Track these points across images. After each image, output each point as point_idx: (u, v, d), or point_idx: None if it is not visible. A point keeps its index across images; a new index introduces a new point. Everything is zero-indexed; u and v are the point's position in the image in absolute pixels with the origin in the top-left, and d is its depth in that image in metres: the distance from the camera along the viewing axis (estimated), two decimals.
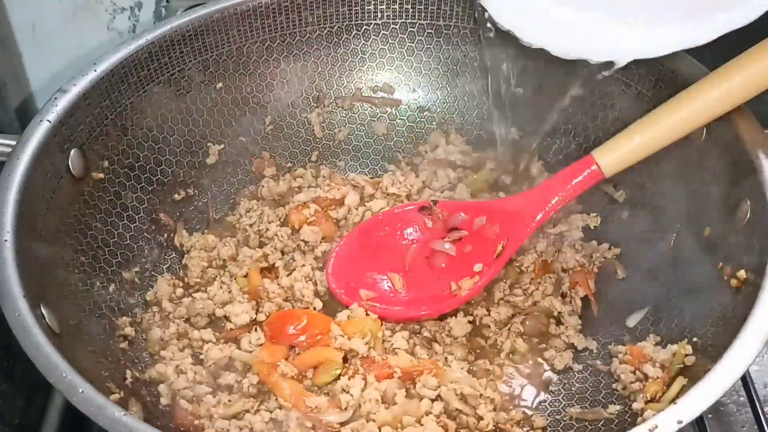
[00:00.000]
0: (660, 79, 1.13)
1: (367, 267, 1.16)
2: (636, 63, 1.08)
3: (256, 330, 1.08)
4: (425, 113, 1.35)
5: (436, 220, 1.18)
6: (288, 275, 1.15)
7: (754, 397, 1.01)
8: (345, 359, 1.04)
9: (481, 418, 0.99)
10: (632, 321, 1.11)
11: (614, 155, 1.04)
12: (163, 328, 1.09)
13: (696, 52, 1.06)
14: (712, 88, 0.99)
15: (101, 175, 1.12)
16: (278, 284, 1.13)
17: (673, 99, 1.02)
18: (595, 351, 1.10)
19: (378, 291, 1.14)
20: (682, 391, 0.91)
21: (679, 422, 0.78)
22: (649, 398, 0.98)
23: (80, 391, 0.80)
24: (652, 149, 1.03)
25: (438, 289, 1.13)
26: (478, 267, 1.12)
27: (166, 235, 1.21)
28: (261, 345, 1.06)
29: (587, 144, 1.23)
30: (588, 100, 1.22)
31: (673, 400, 0.82)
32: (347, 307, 1.10)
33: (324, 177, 1.30)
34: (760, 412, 1.00)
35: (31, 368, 0.82)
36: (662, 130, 1.02)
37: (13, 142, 1.01)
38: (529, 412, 1.04)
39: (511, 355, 1.09)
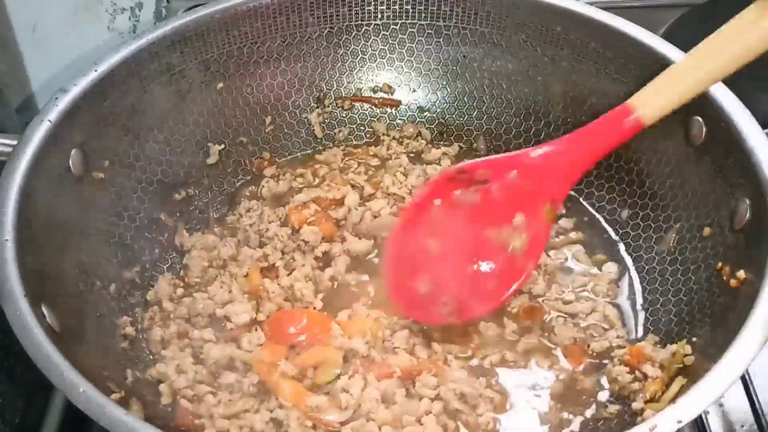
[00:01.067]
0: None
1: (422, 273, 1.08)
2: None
3: (256, 330, 1.08)
4: (425, 113, 1.36)
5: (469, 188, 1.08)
6: (288, 275, 1.14)
7: (754, 397, 1.01)
8: (345, 359, 1.04)
9: (480, 416, 0.99)
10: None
11: (654, 101, 0.99)
12: (164, 328, 1.09)
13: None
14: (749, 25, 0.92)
15: (102, 175, 1.12)
16: (278, 284, 1.13)
17: (711, 37, 0.97)
18: None
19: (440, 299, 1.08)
20: (682, 391, 0.91)
21: (679, 422, 0.78)
22: (648, 398, 0.98)
23: (81, 390, 0.80)
24: (693, 92, 0.98)
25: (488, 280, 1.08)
26: (519, 218, 1.07)
27: (166, 234, 1.21)
28: (261, 345, 1.06)
29: None
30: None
31: (672, 400, 0.83)
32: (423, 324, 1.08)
33: (324, 177, 1.29)
34: (760, 412, 1.00)
35: (31, 368, 0.82)
36: (706, 69, 0.96)
37: (14, 142, 1.01)
38: None
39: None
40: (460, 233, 1.08)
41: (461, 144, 1.34)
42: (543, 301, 1.12)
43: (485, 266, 1.09)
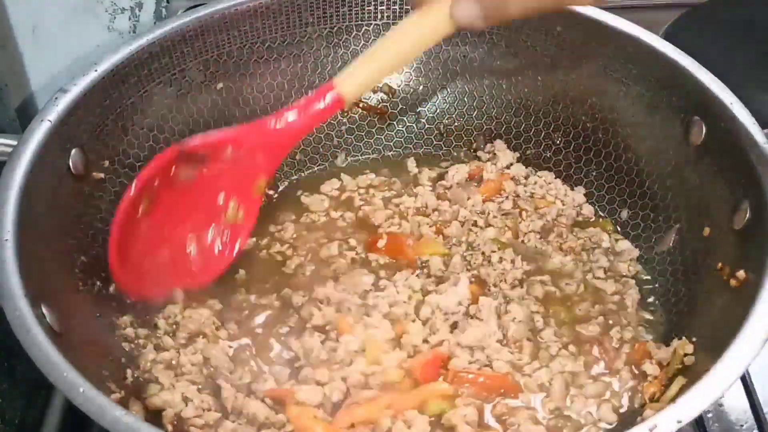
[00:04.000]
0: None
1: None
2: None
3: None
4: (425, 113, 1.35)
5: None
6: None
7: (754, 397, 1.01)
8: None
9: None
10: None
11: (354, 81, 1.03)
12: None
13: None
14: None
15: (102, 175, 1.11)
16: None
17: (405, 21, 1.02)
18: None
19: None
20: (682, 390, 0.91)
21: (679, 422, 0.78)
22: (648, 398, 0.98)
23: (81, 390, 0.80)
24: (388, 71, 1.06)
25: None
26: (234, 193, 1.11)
27: None
28: None
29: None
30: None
31: (672, 400, 0.83)
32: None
33: None
34: (760, 412, 1.00)
35: (31, 368, 0.82)
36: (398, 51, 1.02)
37: (14, 142, 1.01)
38: None
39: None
40: (181, 208, 1.10)
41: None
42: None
43: (206, 238, 1.13)
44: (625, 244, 1.19)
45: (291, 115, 1.05)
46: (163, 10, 1.37)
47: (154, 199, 1.06)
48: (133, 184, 1.04)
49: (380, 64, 1.02)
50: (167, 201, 1.07)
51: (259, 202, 1.12)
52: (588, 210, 1.24)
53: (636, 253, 1.17)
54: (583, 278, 1.14)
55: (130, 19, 1.33)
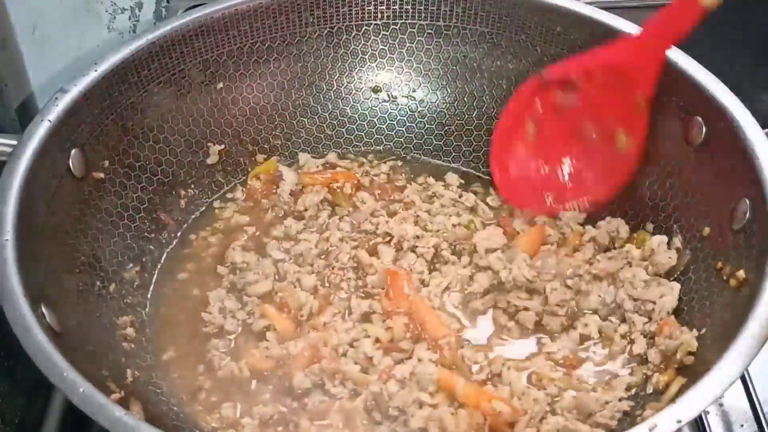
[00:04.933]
0: None
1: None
2: None
3: None
4: (425, 113, 1.35)
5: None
6: None
7: (754, 397, 1.01)
8: None
9: None
10: None
11: None
12: None
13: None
14: None
15: (102, 175, 1.12)
16: None
17: None
18: None
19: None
20: (682, 390, 0.91)
21: (679, 421, 0.78)
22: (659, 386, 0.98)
23: (81, 390, 0.80)
24: None
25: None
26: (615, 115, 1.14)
27: (166, 235, 1.21)
28: None
29: None
30: None
31: (672, 400, 0.83)
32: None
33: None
34: (760, 412, 1.00)
35: (32, 368, 0.82)
36: None
37: (14, 142, 1.01)
38: None
39: None
40: (562, 131, 1.19)
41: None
42: None
43: (589, 158, 1.20)
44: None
45: (657, 26, 1.06)
46: (163, 10, 1.37)
47: (536, 122, 1.17)
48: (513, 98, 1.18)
49: None
50: (550, 125, 1.18)
51: (644, 119, 1.13)
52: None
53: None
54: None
55: (130, 19, 1.33)
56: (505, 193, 1.24)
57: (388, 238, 1.18)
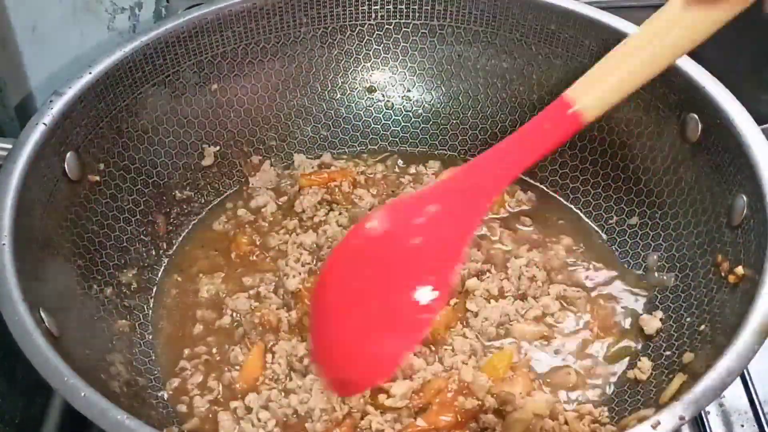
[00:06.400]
0: None
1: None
2: None
3: None
4: (420, 113, 1.35)
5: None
6: None
7: (754, 397, 1.02)
8: None
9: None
10: None
11: (598, 93, 0.84)
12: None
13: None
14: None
15: (97, 178, 1.11)
16: None
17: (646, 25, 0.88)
18: None
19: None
20: (683, 388, 0.91)
21: (681, 418, 0.78)
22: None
23: (82, 394, 0.80)
24: (643, 78, 0.86)
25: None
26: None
27: (163, 237, 1.21)
28: None
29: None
30: None
31: (674, 397, 0.83)
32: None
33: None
34: (760, 412, 1.01)
35: (31, 368, 0.82)
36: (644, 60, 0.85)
37: (9, 146, 1.00)
38: None
39: None
40: (391, 268, 0.87)
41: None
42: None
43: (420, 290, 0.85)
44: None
45: (512, 144, 0.87)
46: (163, 9, 1.36)
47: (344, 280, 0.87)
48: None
49: (630, 70, 0.83)
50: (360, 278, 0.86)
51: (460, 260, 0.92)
52: None
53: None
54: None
55: (129, 18, 1.33)
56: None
57: None
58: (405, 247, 0.86)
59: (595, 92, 0.84)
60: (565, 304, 1.13)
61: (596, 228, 1.24)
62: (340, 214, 1.23)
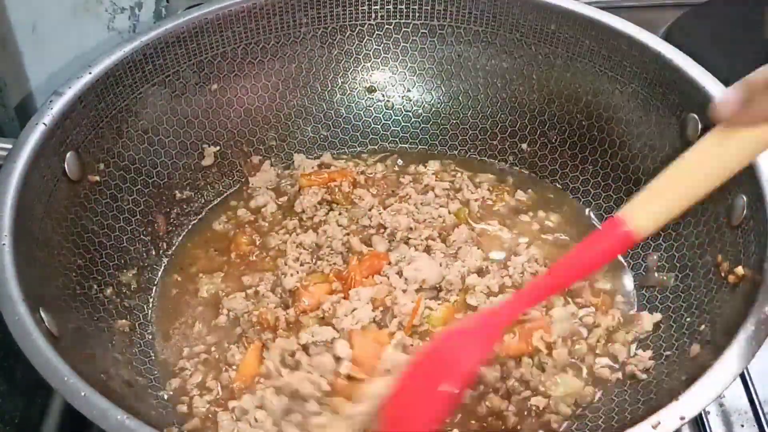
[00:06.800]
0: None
1: None
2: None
3: None
4: (420, 113, 1.35)
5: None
6: None
7: (754, 397, 1.01)
8: None
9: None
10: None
11: (651, 213, 0.87)
12: None
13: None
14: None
15: (97, 178, 1.11)
16: None
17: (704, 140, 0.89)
18: None
19: None
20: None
21: (682, 418, 0.78)
22: None
23: (82, 394, 0.80)
24: (691, 198, 0.89)
25: None
26: None
27: (163, 237, 1.20)
28: None
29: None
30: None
31: (674, 397, 0.83)
32: None
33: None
34: (760, 412, 1.00)
35: (31, 368, 0.82)
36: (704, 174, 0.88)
37: (9, 146, 1.01)
38: None
39: None
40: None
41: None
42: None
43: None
44: None
45: (570, 265, 0.90)
46: (163, 9, 1.36)
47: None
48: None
49: (682, 191, 0.87)
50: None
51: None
52: None
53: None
54: None
55: (129, 18, 1.33)
56: None
57: (381, 230, 1.19)
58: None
59: (648, 211, 0.88)
60: (568, 299, 1.12)
61: (597, 227, 1.23)
62: (340, 214, 1.23)
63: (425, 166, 1.33)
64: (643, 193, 0.88)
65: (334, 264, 1.16)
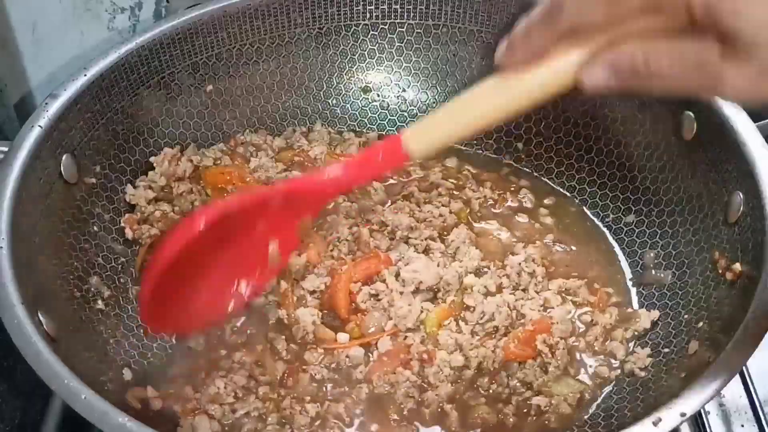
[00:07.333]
0: None
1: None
2: None
3: None
4: (415, 113, 1.35)
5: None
6: None
7: (754, 397, 1.02)
8: None
9: None
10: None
11: (425, 140, 0.93)
12: None
13: None
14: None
15: (93, 180, 1.11)
16: None
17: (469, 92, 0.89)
18: None
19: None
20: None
21: (683, 415, 0.79)
22: None
23: (83, 397, 0.79)
24: (464, 133, 0.91)
25: None
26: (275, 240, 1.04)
27: None
28: None
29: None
30: None
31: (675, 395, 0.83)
32: None
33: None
34: (760, 412, 1.01)
35: (31, 370, 0.82)
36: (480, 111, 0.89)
37: (5, 148, 1.01)
38: None
39: None
40: (220, 255, 1.01)
41: None
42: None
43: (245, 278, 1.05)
44: None
45: (350, 167, 0.99)
46: (163, 9, 1.36)
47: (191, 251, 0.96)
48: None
49: (456, 125, 0.90)
50: (205, 250, 0.98)
51: (296, 239, 1.07)
52: None
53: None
54: None
55: (129, 18, 1.32)
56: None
57: (383, 227, 1.19)
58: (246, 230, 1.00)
59: (423, 138, 0.93)
60: (566, 297, 1.13)
61: (597, 226, 1.23)
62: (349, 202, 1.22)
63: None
64: (424, 121, 0.92)
65: (340, 251, 1.15)
